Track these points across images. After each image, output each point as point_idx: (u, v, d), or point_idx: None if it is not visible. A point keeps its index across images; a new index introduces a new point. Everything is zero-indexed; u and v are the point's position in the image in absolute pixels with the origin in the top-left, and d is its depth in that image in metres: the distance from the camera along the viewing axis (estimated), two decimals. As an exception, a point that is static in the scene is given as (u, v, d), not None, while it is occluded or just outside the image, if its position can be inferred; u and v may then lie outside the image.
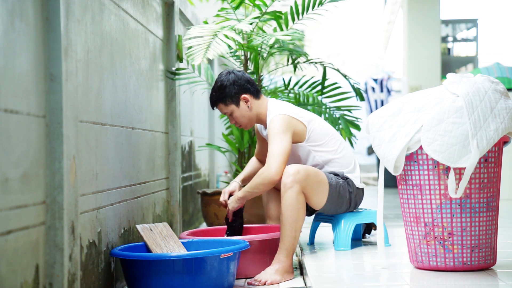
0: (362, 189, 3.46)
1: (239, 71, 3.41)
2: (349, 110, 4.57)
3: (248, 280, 3.10)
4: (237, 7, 4.28)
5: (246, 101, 3.36)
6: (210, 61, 5.02)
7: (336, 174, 3.33)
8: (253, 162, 3.70)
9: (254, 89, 3.40)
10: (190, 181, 4.99)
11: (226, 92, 3.34)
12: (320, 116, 4.47)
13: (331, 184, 3.24)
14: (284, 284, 2.98)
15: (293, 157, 3.38)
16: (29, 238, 1.99)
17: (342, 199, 3.32)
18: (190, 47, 3.66)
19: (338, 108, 4.55)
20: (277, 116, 3.25)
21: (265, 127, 3.47)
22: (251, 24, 4.01)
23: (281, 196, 3.09)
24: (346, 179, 3.35)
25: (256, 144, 3.77)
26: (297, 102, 4.56)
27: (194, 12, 5.14)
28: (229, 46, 3.69)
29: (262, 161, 3.64)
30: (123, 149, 3.04)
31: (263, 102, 3.41)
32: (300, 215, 3.06)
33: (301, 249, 3.49)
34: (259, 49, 4.28)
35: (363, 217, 3.49)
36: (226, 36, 3.68)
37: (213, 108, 3.47)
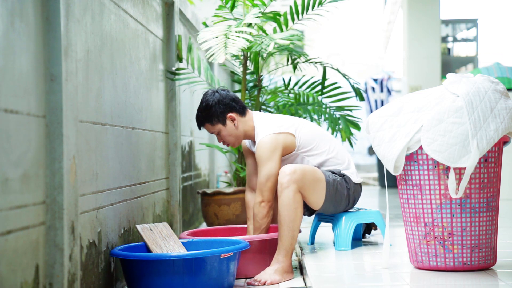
0: (360, 184, 3.46)
1: (224, 90, 3.41)
2: (349, 110, 4.57)
3: (248, 280, 3.10)
4: (232, 8, 4.26)
5: (233, 119, 3.37)
6: (209, 61, 5.02)
7: (333, 173, 3.34)
8: (251, 207, 3.52)
9: (240, 106, 3.40)
10: (190, 181, 4.99)
11: (212, 111, 3.35)
12: (320, 116, 4.47)
13: (328, 181, 3.24)
14: (284, 284, 2.98)
15: None
16: (29, 238, 1.98)
17: (340, 196, 3.32)
18: (194, 49, 3.66)
19: (338, 108, 4.54)
20: (264, 138, 3.25)
21: (254, 142, 3.47)
22: (256, 18, 4.00)
23: (278, 196, 3.09)
24: (343, 176, 3.35)
25: (246, 168, 3.64)
26: (297, 102, 4.56)
27: (194, 12, 5.14)
28: (248, 40, 3.69)
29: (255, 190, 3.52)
30: (123, 149, 3.04)
31: (249, 117, 3.42)
32: (298, 215, 3.06)
33: (301, 249, 3.49)
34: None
35: (363, 216, 3.49)
36: (241, 31, 3.70)
37: (200, 128, 3.47)
